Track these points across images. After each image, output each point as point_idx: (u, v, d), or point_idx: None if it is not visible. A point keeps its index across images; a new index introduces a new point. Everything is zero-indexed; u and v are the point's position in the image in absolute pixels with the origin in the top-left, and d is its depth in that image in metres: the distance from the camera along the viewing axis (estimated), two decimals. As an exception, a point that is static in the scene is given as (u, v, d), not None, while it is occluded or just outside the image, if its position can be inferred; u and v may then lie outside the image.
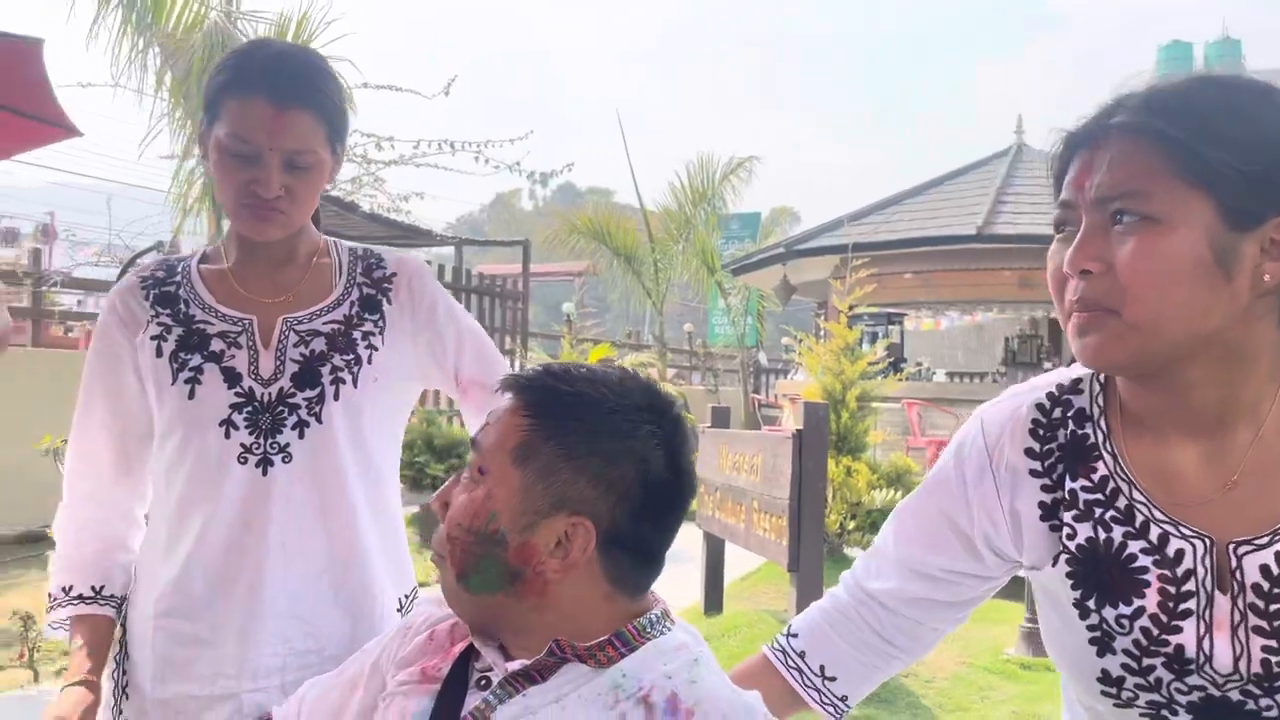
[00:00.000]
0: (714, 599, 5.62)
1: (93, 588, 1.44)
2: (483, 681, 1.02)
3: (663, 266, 15.48)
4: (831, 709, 1.24)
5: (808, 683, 1.23)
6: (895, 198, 13.32)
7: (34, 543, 6.23)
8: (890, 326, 13.07)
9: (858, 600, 1.24)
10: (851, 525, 6.27)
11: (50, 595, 1.44)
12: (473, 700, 1.00)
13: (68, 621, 1.43)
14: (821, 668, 1.24)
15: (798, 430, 4.00)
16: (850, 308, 6.93)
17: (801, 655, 1.24)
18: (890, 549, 1.22)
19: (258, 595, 1.36)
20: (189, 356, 1.40)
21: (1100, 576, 1.00)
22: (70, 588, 1.43)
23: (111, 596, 1.45)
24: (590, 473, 0.98)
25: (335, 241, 1.56)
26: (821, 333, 9.61)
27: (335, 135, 1.42)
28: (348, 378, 1.42)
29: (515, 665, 0.99)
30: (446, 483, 1.05)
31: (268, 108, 1.33)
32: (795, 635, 1.27)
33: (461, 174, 11.66)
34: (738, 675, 1.20)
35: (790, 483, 3.98)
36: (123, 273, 8.03)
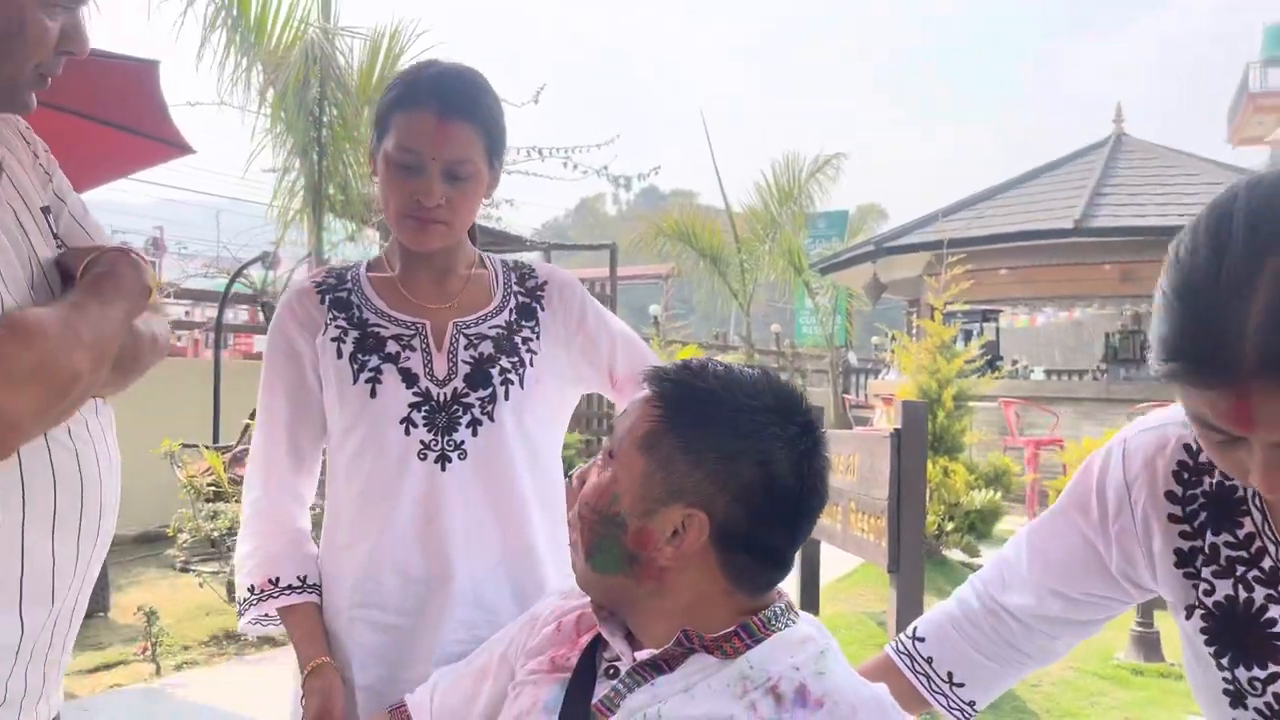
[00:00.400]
0: (810, 599, 5.57)
1: (299, 578, 1.49)
2: (611, 670, 1.04)
3: (749, 267, 15.42)
4: (959, 713, 1.24)
5: (935, 688, 1.24)
6: (989, 192, 13.05)
7: (151, 542, 6.51)
8: (985, 324, 12.78)
9: (989, 611, 1.23)
10: (950, 526, 6.17)
11: (252, 589, 1.48)
12: (601, 689, 1.03)
13: (267, 616, 1.49)
14: (950, 674, 1.23)
15: (896, 429, 3.95)
16: (945, 305, 6.81)
17: (929, 661, 1.24)
18: (1024, 568, 1.20)
19: (446, 586, 1.43)
20: (367, 358, 1.47)
21: (1236, 636, 0.97)
22: (277, 580, 1.48)
23: (315, 586, 1.50)
24: (707, 468, 1.00)
25: (487, 254, 1.63)
26: (915, 331, 9.46)
27: (494, 149, 1.48)
28: (515, 379, 1.49)
29: (644, 654, 1.02)
30: (587, 463, 1.11)
31: (432, 119, 1.41)
32: (921, 639, 1.26)
33: (549, 179, 11.78)
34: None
35: (889, 482, 3.93)
36: (230, 282, 8.35)
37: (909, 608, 3.83)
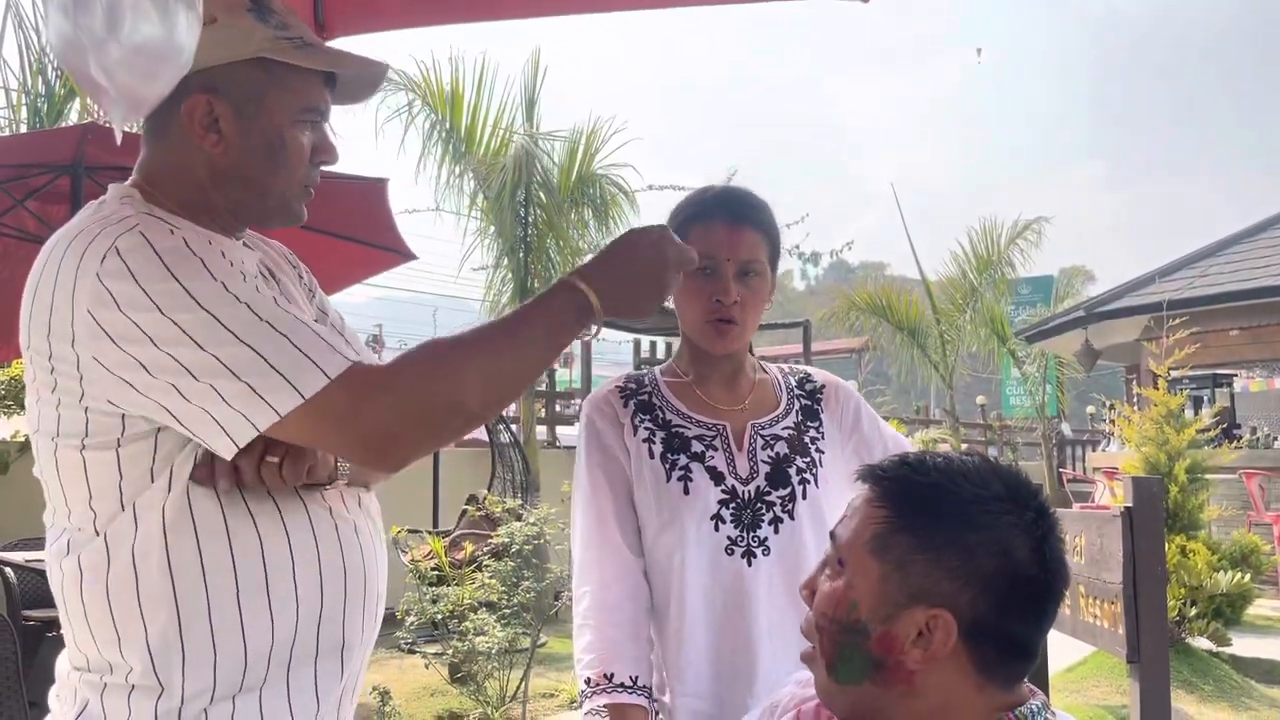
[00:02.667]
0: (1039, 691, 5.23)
1: (632, 677, 1.53)
2: None
3: (949, 338, 14.95)
4: None
5: None
6: (1211, 248, 12.19)
7: (384, 624, 6.87)
8: (1217, 389, 11.81)
9: None
10: (1193, 612, 5.66)
11: (590, 681, 1.55)
12: None
13: (601, 711, 1.54)
14: None
15: (1126, 507, 3.70)
16: (1169, 371, 6.38)
17: None
18: None
19: (753, 677, 1.51)
20: (676, 457, 1.58)
21: None
22: (611, 676, 1.53)
23: (645, 687, 1.54)
24: (947, 565, 0.98)
25: (763, 361, 1.75)
26: (1135, 399, 8.87)
27: (774, 255, 1.64)
28: (810, 478, 1.58)
29: None
30: (813, 571, 1.10)
31: (724, 226, 1.58)
32: None
33: (740, 261, 11.87)
34: None
35: (1122, 566, 3.68)
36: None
37: (1155, 701, 3.53)
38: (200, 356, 1.03)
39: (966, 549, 0.98)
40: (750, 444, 1.59)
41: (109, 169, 3.91)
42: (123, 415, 1.08)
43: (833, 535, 1.07)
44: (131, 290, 1.05)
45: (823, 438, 1.63)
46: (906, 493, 1.02)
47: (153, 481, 1.09)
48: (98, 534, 1.10)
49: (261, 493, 1.12)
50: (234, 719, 1.10)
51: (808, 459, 1.59)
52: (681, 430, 1.60)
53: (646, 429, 1.61)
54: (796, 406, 1.66)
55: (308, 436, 1.08)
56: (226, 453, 1.06)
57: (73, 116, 7.21)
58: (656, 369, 1.73)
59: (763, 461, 1.58)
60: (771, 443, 1.60)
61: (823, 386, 1.70)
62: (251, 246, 1.31)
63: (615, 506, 1.60)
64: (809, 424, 1.64)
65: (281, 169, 1.22)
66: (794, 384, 1.70)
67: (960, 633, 0.97)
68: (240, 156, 1.20)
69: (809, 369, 1.76)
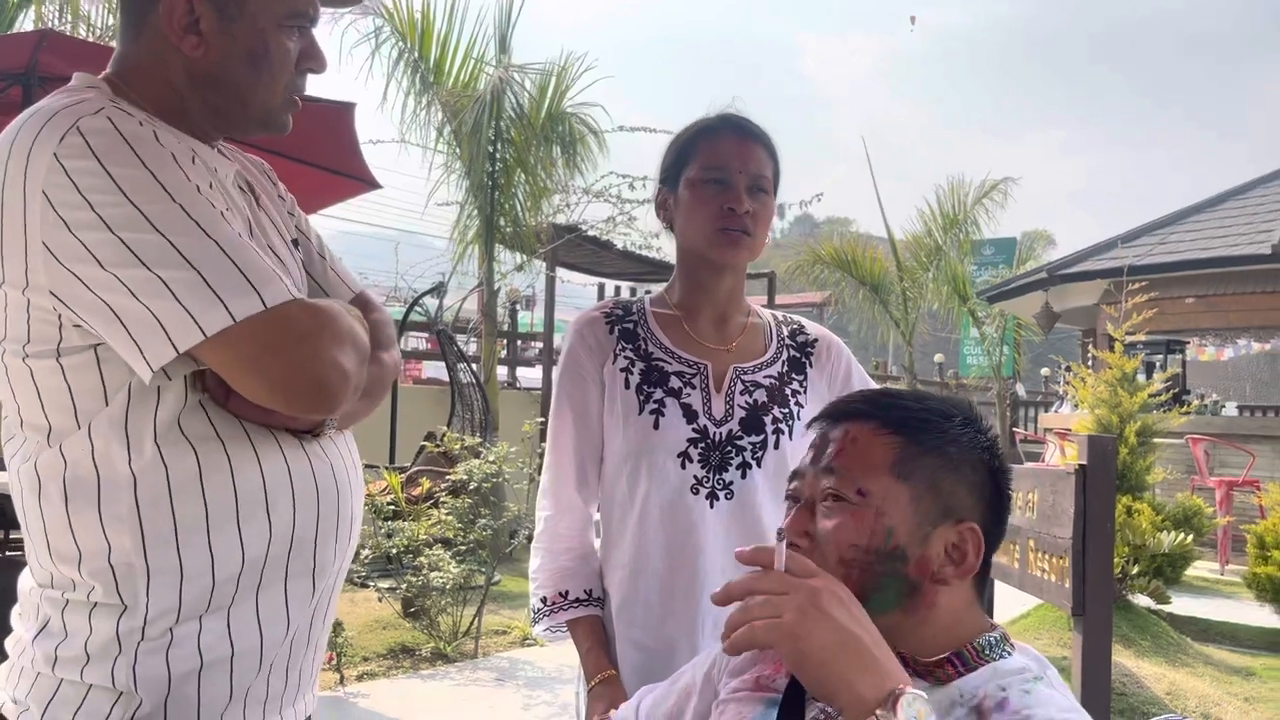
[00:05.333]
0: (981, 642, 5.35)
1: (585, 591, 1.59)
2: None
3: (911, 295, 15.05)
4: None
5: None
6: (1173, 216, 12.34)
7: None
8: (1170, 355, 12.02)
9: None
10: (1135, 570, 5.80)
11: (545, 600, 1.59)
12: (811, 710, 1.03)
13: (561, 625, 1.58)
14: None
15: (1081, 465, 3.76)
16: (1125, 335, 6.45)
17: None
18: None
19: (702, 619, 1.50)
20: (652, 390, 1.56)
21: None
22: (566, 593, 1.58)
23: (599, 599, 1.59)
24: (967, 480, 1.02)
25: (757, 307, 1.72)
26: (1091, 362, 9.00)
27: (777, 178, 1.61)
28: (785, 429, 1.56)
29: None
30: (788, 519, 1.06)
31: (734, 139, 1.56)
32: None
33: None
34: None
35: (1073, 521, 3.74)
36: (408, 311, 8.77)
37: (1096, 652, 3.62)
38: (161, 246, 0.98)
39: (974, 464, 1.03)
40: (730, 387, 1.57)
41: (65, 79, 3.77)
42: (60, 321, 1.02)
43: (830, 470, 1.03)
44: (94, 171, 0.99)
45: (804, 391, 1.61)
46: (911, 419, 1.04)
47: (107, 404, 1.04)
48: (50, 446, 1.06)
49: (233, 423, 1.08)
50: (200, 637, 1.07)
51: (785, 410, 1.57)
52: (662, 364, 1.58)
53: (626, 358, 1.59)
54: (785, 356, 1.64)
55: (237, 358, 1.02)
56: (155, 359, 1.00)
57: (27, 24, 6.93)
58: (648, 296, 1.71)
59: (739, 406, 1.56)
60: (751, 389, 1.58)
61: (815, 340, 1.68)
62: (229, 157, 1.26)
63: (577, 439, 1.60)
64: (794, 375, 1.62)
65: (264, 76, 1.16)
66: (786, 334, 1.68)
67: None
68: (220, 61, 1.14)
69: (804, 321, 1.73)
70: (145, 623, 1.04)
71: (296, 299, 1.04)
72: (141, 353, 1.00)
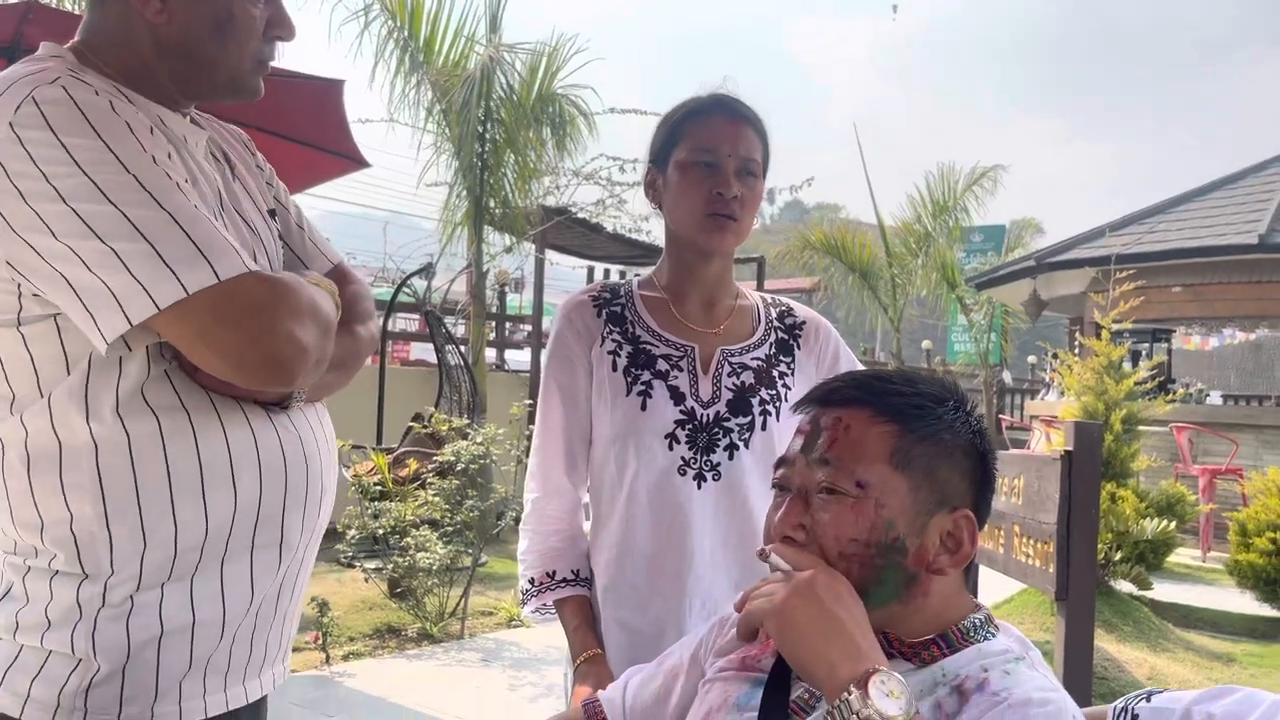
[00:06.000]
0: (965, 626, 5.38)
1: (573, 572, 1.59)
2: None
3: (900, 281, 15.08)
4: None
5: None
6: (1161, 206, 12.38)
7: (324, 537, 6.85)
8: (1155, 344, 12.09)
9: None
10: (1118, 556, 5.85)
11: (533, 581, 1.60)
12: (796, 690, 1.03)
13: (549, 605, 1.59)
14: None
15: (1067, 451, 3.78)
16: (1112, 323, 6.48)
17: None
18: None
19: (689, 600, 1.51)
20: (639, 372, 1.56)
21: None
22: (554, 573, 1.59)
23: (587, 580, 1.60)
24: (961, 466, 1.02)
25: (746, 290, 1.71)
26: (1078, 350, 9.04)
27: (767, 160, 1.59)
28: (772, 410, 1.56)
29: None
30: (780, 514, 1.04)
31: (724, 120, 1.55)
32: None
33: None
34: None
35: (1058, 507, 3.76)
36: (396, 292, 8.73)
37: (1078, 637, 3.65)
38: (113, 218, 0.98)
39: (965, 449, 1.03)
40: (717, 370, 1.57)
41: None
42: (19, 290, 1.02)
43: (825, 461, 1.01)
44: (48, 141, 0.98)
45: (792, 373, 1.61)
46: (903, 406, 1.02)
47: (69, 373, 1.04)
48: (12, 415, 1.06)
49: (199, 393, 1.08)
50: (162, 606, 1.07)
51: (773, 391, 1.57)
52: (649, 347, 1.57)
53: (614, 340, 1.58)
54: (772, 339, 1.63)
55: (192, 330, 1.01)
56: (109, 331, 0.99)
57: (9, -2, 6.84)
58: (635, 279, 1.70)
59: (727, 388, 1.56)
60: (739, 371, 1.57)
61: (803, 323, 1.68)
62: (202, 125, 1.24)
63: (565, 422, 1.60)
64: (781, 358, 1.62)
65: (230, 44, 1.15)
66: (774, 315, 1.67)
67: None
68: (185, 28, 1.13)
69: (792, 303, 1.73)
70: (106, 589, 1.05)
71: (253, 271, 1.03)
72: (96, 324, 0.99)
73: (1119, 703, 1.22)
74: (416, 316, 10.26)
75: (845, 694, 0.85)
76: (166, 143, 1.10)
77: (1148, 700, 1.20)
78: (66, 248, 0.98)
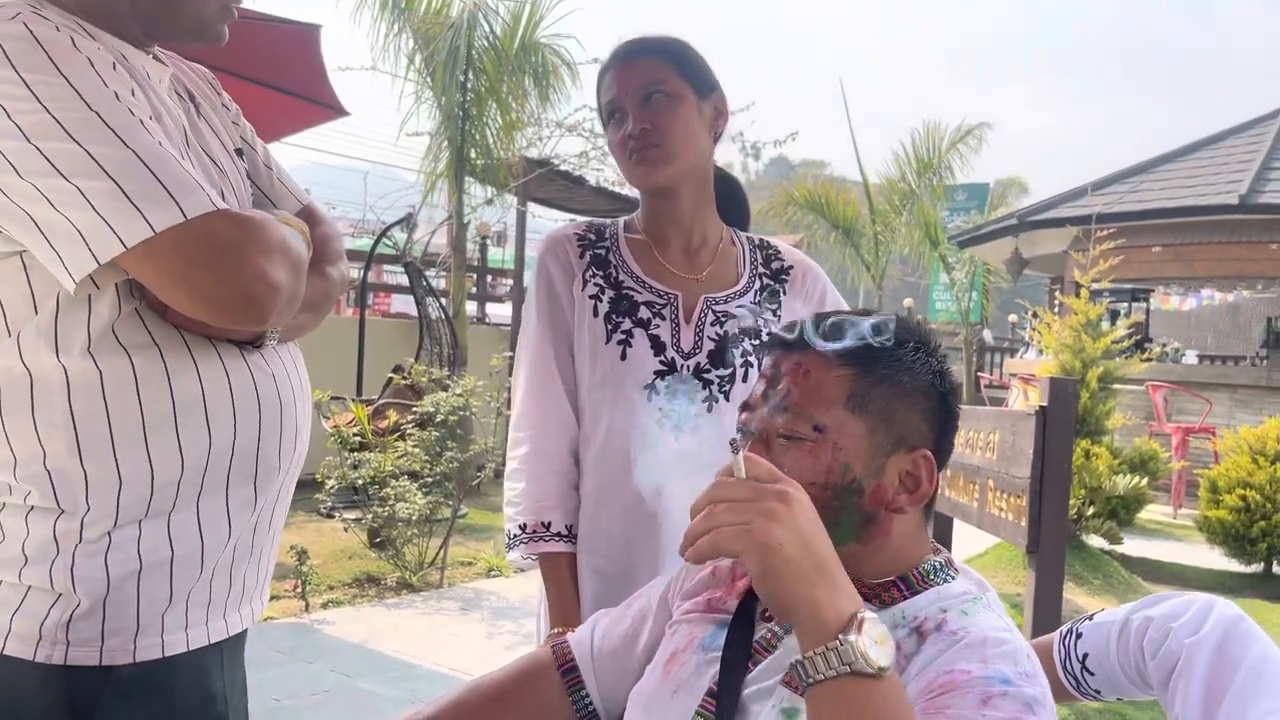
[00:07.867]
0: (939, 579, 5.47)
1: (566, 527, 1.54)
2: (768, 613, 1.05)
3: (883, 239, 15.08)
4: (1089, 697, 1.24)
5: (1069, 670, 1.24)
6: (1143, 165, 12.37)
7: (302, 487, 6.85)
8: (1134, 303, 12.17)
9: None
10: (1090, 511, 5.94)
11: (524, 527, 1.54)
12: (760, 630, 1.05)
13: (534, 558, 1.54)
14: (1085, 656, 1.22)
15: (1041, 407, 3.82)
16: (1092, 282, 6.52)
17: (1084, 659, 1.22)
18: None
19: (663, 548, 1.50)
20: (620, 320, 1.54)
21: None
22: (549, 524, 1.53)
23: (575, 537, 1.55)
24: (920, 407, 1.02)
25: (735, 231, 1.68)
26: (1058, 309, 9.09)
27: (689, 73, 1.54)
28: (754, 362, 1.54)
29: None
30: (737, 455, 1.01)
31: (619, 68, 1.55)
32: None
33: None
34: None
35: (1032, 462, 3.81)
36: (376, 243, 8.66)
37: (1048, 588, 3.72)
38: (77, 155, 0.96)
39: (926, 390, 1.03)
40: (700, 318, 1.55)
41: None
42: None
43: (784, 408, 1.02)
44: (9, 78, 0.97)
45: (778, 320, 1.59)
46: (859, 350, 1.02)
47: (37, 312, 1.03)
48: None
49: (171, 332, 1.07)
50: (140, 542, 1.07)
51: (757, 342, 1.55)
52: (631, 294, 1.56)
53: (596, 284, 1.56)
54: (758, 285, 1.61)
55: (160, 269, 1.00)
56: (76, 270, 0.98)
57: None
58: (621, 220, 1.67)
59: (709, 338, 1.54)
60: (722, 319, 1.55)
61: (790, 267, 1.65)
62: (165, 62, 1.22)
63: (559, 355, 1.57)
64: (767, 305, 1.60)
65: None
66: (760, 260, 1.64)
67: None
68: None
69: (781, 245, 1.69)
70: (83, 526, 1.05)
71: (221, 209, 1.02)
72: (63, 263, 0.98)
73: (1064, 626, 1.27)
74: (399, 269, 10.20)
75: (844, 636, 0.80)
76: (129, 79, 1.08)
77: (1090, 619, 1.25)
78: (31, 186, 0.96)
